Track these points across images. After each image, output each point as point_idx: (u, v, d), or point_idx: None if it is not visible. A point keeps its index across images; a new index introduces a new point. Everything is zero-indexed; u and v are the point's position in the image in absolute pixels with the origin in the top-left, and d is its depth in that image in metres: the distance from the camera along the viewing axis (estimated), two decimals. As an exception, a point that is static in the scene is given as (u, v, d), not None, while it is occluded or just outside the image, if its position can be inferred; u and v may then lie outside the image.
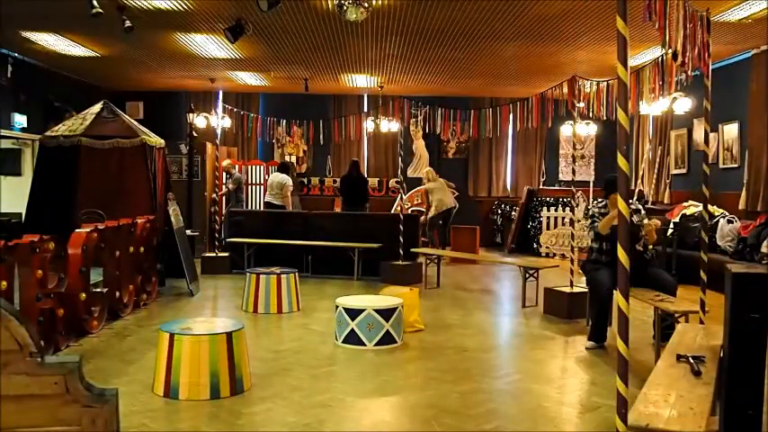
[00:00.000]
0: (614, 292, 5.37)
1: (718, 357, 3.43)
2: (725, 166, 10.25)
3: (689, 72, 5.49)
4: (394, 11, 7.59)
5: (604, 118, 7.96)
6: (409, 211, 12.57)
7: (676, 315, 4.95)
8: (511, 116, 9.48)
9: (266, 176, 13.20)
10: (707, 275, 4.85)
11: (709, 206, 6.13)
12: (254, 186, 13.52)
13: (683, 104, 9.98)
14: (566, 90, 8.02)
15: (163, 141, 8.81)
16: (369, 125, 12.68)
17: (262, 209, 12.21)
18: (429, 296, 8.26)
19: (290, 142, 14.12)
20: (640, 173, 12.93)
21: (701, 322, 4.81)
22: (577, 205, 11.83)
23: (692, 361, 3.35)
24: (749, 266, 3.17)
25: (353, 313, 5.75)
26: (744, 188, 9.49)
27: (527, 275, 7.76)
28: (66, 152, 7.94)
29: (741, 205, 9.47)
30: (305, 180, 14.45)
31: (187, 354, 4.33)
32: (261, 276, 7.24)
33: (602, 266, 5.83)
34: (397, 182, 12.23)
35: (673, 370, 3.32)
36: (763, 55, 9.10)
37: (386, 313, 5.76)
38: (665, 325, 5.21)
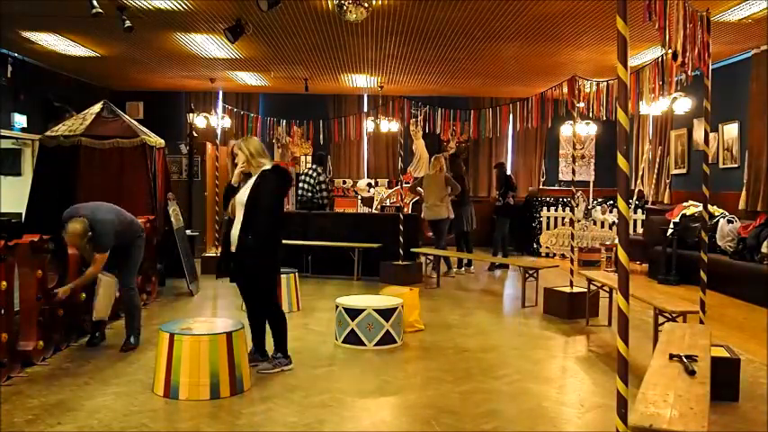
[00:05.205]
0: None
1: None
2: (725, 166, 10.25)
3: (689, 72, 5.49)
4: (394, 11, 7.59)
5: (604, 118, 7.97)
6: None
7: (674, 315, 4.96)
8: (511, 116, 9.49)
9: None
10: (707, 275, 4.85)
11: (709, 206, 6.14)
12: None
13: (683, 104, 9.99)
14: (566, 90, 8.02)
15: (163, 141, 8.80)
16: (369, 125, 12.68)
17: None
18: (429, 296, 8.26)
19: (291, 143, 14.09)
20: (640, 173, 12.93)
21: (701, 322, 4.81)
22: (577, 205, 11.83)
23: (685, 360, 3.36)
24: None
25: (353, 313, 5.75)
26: (744, 188, 9.49)
27: (527, 275, 7.77)
28: (66, 152, 7.92)
29: (741, 205, 9.47)
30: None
31: (187, 354, 4.33)
32: (261, 276, 7.22)
33: None
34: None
35: (667, 369, 3.32)
36: (763, 55, 9.10)
37: (386, 313, 5.75)
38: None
